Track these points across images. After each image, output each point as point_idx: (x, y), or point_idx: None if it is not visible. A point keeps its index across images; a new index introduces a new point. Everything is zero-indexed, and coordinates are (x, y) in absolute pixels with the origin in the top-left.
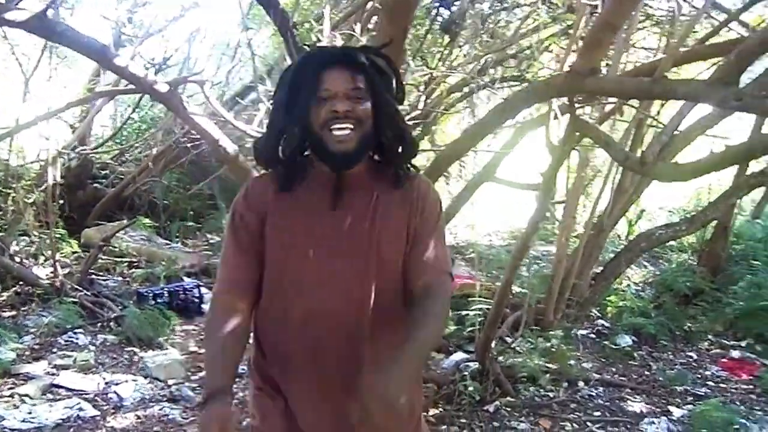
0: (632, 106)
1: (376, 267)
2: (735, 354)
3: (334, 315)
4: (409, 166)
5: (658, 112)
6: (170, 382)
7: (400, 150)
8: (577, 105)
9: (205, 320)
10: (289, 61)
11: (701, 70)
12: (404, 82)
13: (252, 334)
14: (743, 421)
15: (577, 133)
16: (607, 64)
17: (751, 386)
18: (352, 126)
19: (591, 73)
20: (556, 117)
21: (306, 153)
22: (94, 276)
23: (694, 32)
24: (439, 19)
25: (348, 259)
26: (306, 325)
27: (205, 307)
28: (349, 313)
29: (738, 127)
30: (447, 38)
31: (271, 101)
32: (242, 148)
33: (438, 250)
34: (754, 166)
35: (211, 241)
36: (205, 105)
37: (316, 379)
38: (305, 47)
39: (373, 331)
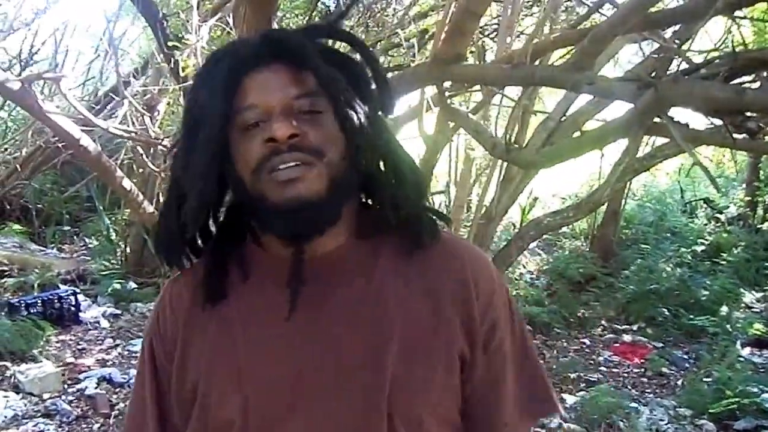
0: (502, 94)
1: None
2: (627, 338)
3: None
4: (430, 216)
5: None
6: (45, 396)
7: (396, 190)
8: (447, 93)
9: None
10: (159, 56)
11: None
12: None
13: None
14: (634, 404)
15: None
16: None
17: (642, 369)
18: (304, 157)
19: (455, 61)
20: (429, 107)
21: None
22: None
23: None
24: (321, 8)
25: (339, 407)
26: None
27: (83, 315)
28: None
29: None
30: None
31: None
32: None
33: (525, 386)
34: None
35: (89, 246)
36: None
37: None
38: (177, 43)
39: None
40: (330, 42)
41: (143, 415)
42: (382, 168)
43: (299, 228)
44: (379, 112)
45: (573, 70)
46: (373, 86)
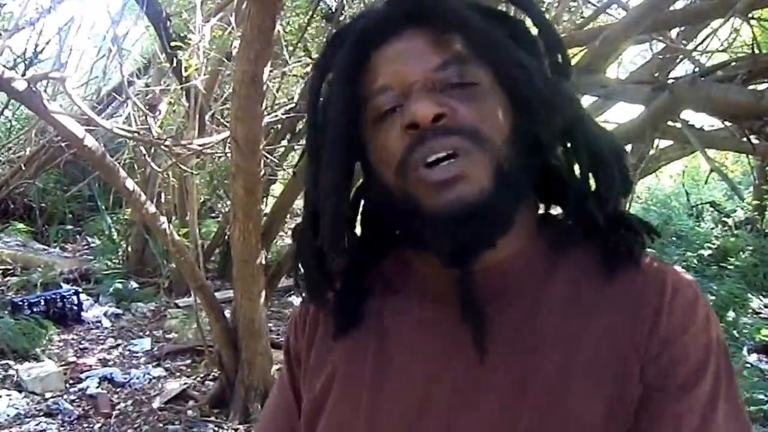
0: None
1: None
2: None
3: None
4: (634, 225)
5: None
6: (47, 395)
7: (593, 183)
8: None
9: None
10: (162, 56)
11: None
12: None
13: None
14: None
15: None
16: None
17: None
18: (458, 145)
19: None
20: None
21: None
22: None
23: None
24: (322, 7)
25: None
26: None
27: (85, 314)
28: None
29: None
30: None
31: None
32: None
33: None
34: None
35: (91, 245)
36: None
37: None
38: (180, 43)
39: None
40: None
41: (275, 409)
42: (574, 153)
43: (464, 244)
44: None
45: (585, 73)
46: (544, 49)
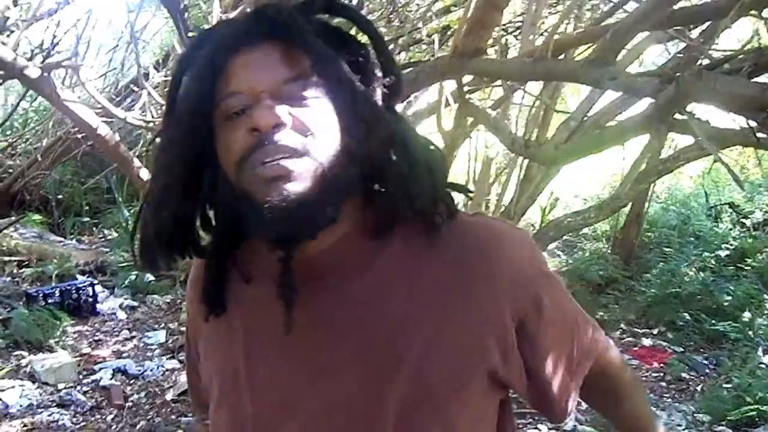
0: (524, 90)
1: None
2: (647, 342)
3: None
4: (446, 196)
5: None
6: (60, 386)
7: (408, 179)
8: (467, 89)
9: None
10: (180, 48)
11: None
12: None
13: None
14: (652, 409)
15: (470, 119)
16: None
17: (661, 374)
18: (293, 149)
19: (476, 54)
20: (448, 103)
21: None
22: None
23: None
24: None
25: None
26: None
27: (100, 306)
28: None
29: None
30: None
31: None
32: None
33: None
34: (666, 151)
35: (108, 237)
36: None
37: None
38: (194, 33)
39: None
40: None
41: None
42: (392, 157)
43: (287, 232)
44: (384, 98)
45: (595, 66)
46: (379, 70)
